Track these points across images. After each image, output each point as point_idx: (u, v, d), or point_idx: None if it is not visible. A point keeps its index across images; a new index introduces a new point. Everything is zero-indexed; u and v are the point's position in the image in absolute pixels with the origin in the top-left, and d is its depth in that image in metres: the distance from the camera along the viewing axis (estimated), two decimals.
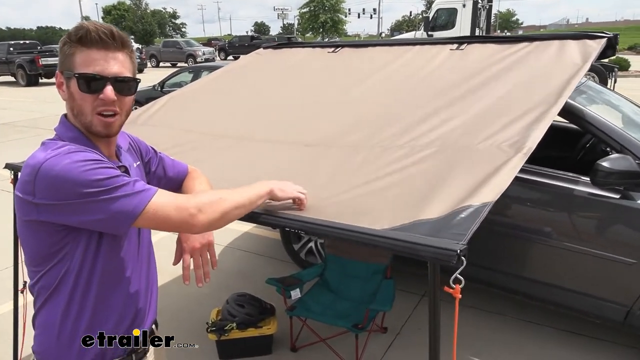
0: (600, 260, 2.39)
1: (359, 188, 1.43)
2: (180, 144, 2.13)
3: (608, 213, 2.35)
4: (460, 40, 2.66)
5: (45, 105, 13.73)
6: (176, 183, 1.43)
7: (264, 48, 3.48)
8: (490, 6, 16.15)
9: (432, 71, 2.34)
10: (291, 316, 2.69)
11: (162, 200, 1.05)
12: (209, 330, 2.63)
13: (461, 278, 0.95)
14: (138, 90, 1.17)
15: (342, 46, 3.09)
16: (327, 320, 2.61)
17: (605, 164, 2.21)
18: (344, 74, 2.68)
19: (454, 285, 0.96)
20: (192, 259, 1.28)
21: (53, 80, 18.24)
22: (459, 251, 0.97)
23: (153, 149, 1.41)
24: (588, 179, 2.34)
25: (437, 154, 1.50)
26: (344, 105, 2.23)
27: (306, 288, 2.86)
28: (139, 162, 1.32)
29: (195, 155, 1.97)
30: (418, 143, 1.60)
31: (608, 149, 2.98)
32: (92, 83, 1.06)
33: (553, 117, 1.56)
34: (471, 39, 2.63)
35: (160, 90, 8.81)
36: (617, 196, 2.30)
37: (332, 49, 3.09)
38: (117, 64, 1.08)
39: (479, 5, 15.46)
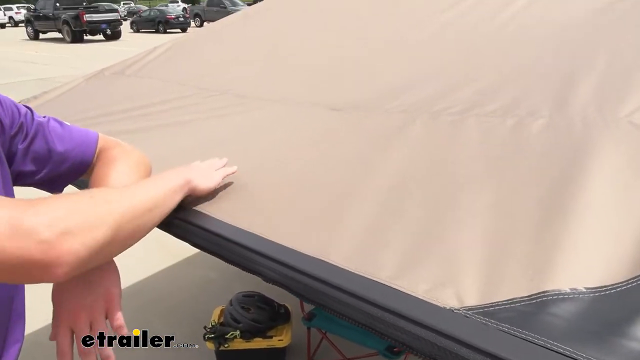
0: None
1: (404, 197, 0.79)
2: (161, 102, 1.56)
3: None
4: None
5: (86, 62, 13.55)
6: (76, 166, 0.79)
7: None
8: None
9: (526, 5, 1.62)
10: (309, 327, 2.14)
11: None
12: (206, 337, 2.12)
13: None
14: None
15: None
16: (353, 337, 2.03)
17: None
18: (395, 15, 2.00)
19: None
20: (74, 335, 0.66)
21: (97, 37, 18.14)
22: None
23: (28, 108, 0.74)
24: None
25: (549, 132, 0.84)
26: (396, 56, 1.57)
27: None
28: None
29: (172, 118, 1.40)
30: (512, 112, 0.95)
31: None
32: None
33: None
34: None
35: None
36: None
37: None
38: None
39: None
